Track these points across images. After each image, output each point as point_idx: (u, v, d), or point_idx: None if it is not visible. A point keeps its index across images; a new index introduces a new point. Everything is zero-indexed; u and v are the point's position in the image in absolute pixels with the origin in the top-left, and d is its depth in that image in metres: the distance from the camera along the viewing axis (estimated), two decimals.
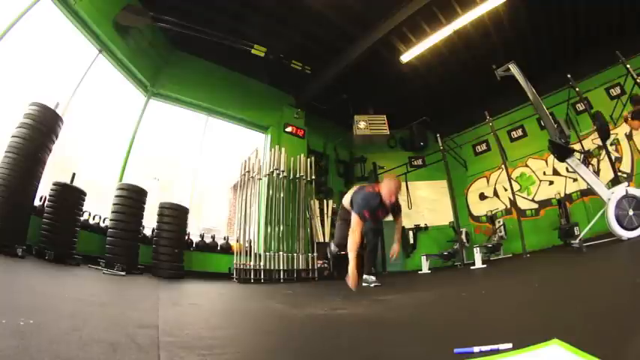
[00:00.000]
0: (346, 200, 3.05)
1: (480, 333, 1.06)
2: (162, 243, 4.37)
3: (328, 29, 5.71)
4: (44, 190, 3.55)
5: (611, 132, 5.67)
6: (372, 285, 3.23)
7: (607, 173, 5.07)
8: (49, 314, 1.20)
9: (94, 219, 4.39)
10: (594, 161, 5.51)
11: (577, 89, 4.87)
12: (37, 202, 3.49)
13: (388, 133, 7.24)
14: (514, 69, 4.44)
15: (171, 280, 4.00)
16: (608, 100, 5.67)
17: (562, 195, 6.23)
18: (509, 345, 0.74)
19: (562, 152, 3.75)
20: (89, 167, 4.78)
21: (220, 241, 5.73)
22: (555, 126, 3.80)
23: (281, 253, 5.50)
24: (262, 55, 5.78)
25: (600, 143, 4.94)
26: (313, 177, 6.50)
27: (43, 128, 3.22)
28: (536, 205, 6.63)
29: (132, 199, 4.18)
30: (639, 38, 5.56)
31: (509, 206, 6.94)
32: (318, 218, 6.32)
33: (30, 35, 3.77)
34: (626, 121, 5.26)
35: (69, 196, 3.67)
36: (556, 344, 0.70)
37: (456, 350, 0.79)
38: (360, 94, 7.19)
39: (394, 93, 7.35)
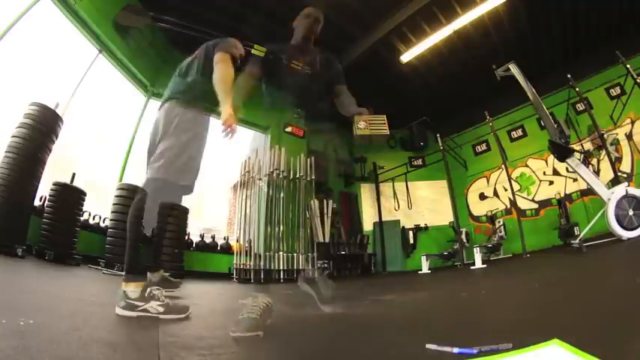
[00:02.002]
0: None
1: (480, 333, 1.06)
2: (163, 243, 4.36)
3: (328, 29, 5.69)
4: (44, 190, 3.54)
5: (612, 132, 5.68)
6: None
7: (607, 173, 5.07)
8: (49, 314, 1.20)
9: (94, 219, 4.39)
10: (594, 161, 5.50)
11: (577, 89, 4.87)
12: (37, 202, 3.49)
13: (388, 133, 7.22)
14: (514, 69, 4.44)
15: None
16: (608, 100, 5.67)
17: (562, 195, 6.23)
18: (509, 345, 0.74)
19: (562, 152, 3.76)
20: (89, 167, 4.78)
21: (220, 241, 5.73)
22: (555, 126, 3.81)
23: (281, 253, 5.50)
24: (262, 55, 5.77)
25: (600, 144, 4.92)
26: (313, 177, 6.50)
27: (43, 128, 3.23)
28: (536, 205, 6.63)
29: (132, 199, 4.16)
30: (639, 38, 5.56)
31: (509, 206, 6.93)
32: (318, 218, 6.32)
33: (30, 35, 3.76)
34: None
35: (69, 196, 3.67)
36: (556, 344, 0.70)
37: (455, 350, 0.79)
38: (360, 94, 7.17)
39: (394, 93, 7.35)
